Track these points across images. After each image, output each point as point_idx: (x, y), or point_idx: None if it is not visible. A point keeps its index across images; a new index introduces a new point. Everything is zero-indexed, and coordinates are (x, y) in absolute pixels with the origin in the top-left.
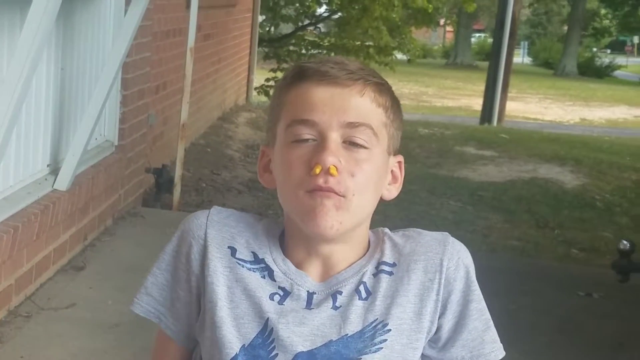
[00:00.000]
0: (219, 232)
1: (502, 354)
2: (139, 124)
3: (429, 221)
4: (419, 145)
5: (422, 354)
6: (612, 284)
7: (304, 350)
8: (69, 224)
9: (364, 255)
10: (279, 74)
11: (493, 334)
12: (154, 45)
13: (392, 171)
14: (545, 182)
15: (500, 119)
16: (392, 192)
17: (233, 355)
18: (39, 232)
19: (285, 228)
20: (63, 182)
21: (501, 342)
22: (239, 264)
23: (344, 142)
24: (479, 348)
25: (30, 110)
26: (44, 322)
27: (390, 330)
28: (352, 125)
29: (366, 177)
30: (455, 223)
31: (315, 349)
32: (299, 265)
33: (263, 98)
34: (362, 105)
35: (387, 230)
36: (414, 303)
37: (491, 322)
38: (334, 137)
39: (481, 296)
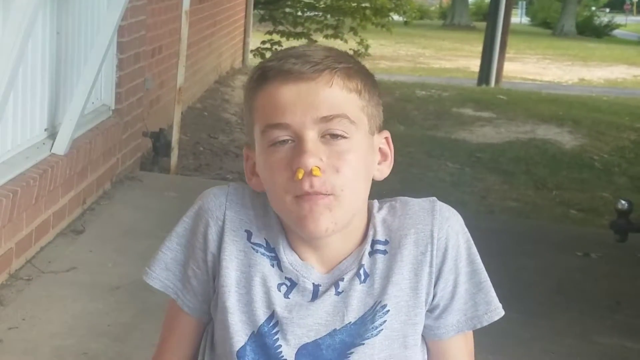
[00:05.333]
0: (237, 214)
1: (499, 315)
2: (135, 88)
3: (426, 183)
4: (416, 107)
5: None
6: (610, 244)
7: (309, 341)
8: (68, 187)
9: (364, 239)
10: (275, 37)
11: (486, 295)
12: (149, 8)
13: (380, 149)
14: (543, 143)
15: (498, 80)
16: (383, 171)
17: (242, 344)
18: (38, 196)
19: (283, 224)
20: (61, 146)
21: (500, 303)
22: (254, 249)
23: (322, 136)
24: (472, 310)
25: (27, 75)
26: (44, 285)
27: (388, 310)
28: (326, 119)
29: (352, 167)
30: (453, 185)
31: (319, 338)
32: (302, 257)
33: (259, 61)
34: (332, 95)
35: (375, 203)
36: (409, 279)
37: (485, 284)
38: (311, 136)
39: (473, 258)
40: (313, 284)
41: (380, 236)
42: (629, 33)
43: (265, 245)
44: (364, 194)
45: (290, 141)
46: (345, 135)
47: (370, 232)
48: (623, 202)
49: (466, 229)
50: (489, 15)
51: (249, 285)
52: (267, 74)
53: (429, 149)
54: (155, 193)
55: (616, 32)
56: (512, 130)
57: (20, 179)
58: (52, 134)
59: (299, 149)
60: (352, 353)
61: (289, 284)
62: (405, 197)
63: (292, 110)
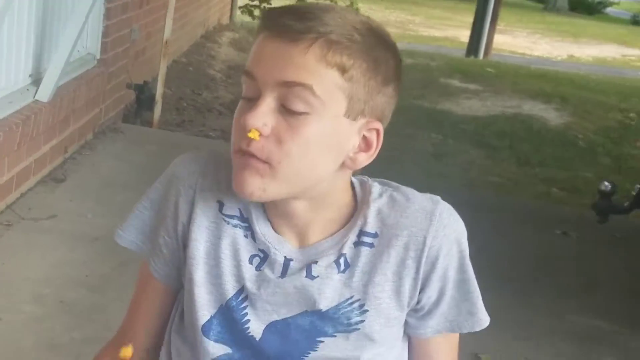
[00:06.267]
0: (210, 184)
1: (481, 326)
2: (121, 39)
3: (409, 154)
4: (403, 76)
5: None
6: (590, 224)
7: (278, 318)
8: (50, 135)
9: (347, 223)
10: None
11: (472, 305)
12: None
13: (364, 137)
14: (529, 118)
15: (487, 53)
16: (358, 160)
17: (209, 317)
18: (20, 142)
19: None
20: (45, 93)
21: (487, 316)
22: (225, 220)
23: (281, 104)
24: (454, 315)
25: (13, 20)
26: (24, 231)
27: (367, 310)
28: (287, 84)
29: (300, 145)
30: (435, 156)
31: (289, 317)
32: (277, 230)
33: (247, 18)
34: (304, 63)
35: (375, 187)
36: (393, 281)
37: (473, 295)
38: (268, 99)
39: (465, 268)
40: (285, 257)
41: (370, 228)
42: (622, 11)
43: (238, 216)
44: (317, 175)
45: (252, 99)
46: (302, 110)
47: (359, 222)
48: (607, 183)
49: (464, 237)
50: None
51: (218, 258)
52: (266, 21)
53: (414, 119)
54: (136, 146)
55: (609, 9)
56: (498, 104)
57: (3, 124)
58: (37, 81)
59: (252, 107)
60: (321, 342)
61: (261, 255)
62: (409, 190)
63: (262, 64)
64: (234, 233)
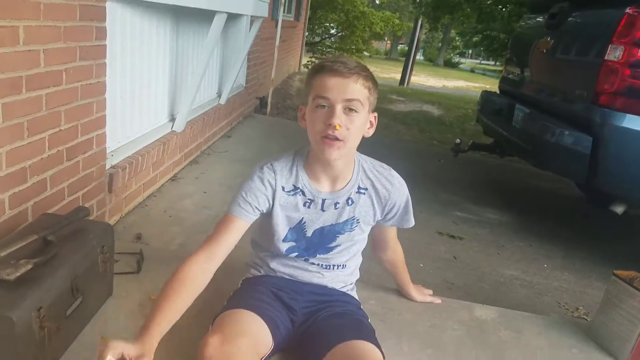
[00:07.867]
0: (280, 180)
1: (412, 224)
2: (254, 78)
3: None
4: None
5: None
6: (450, 156)
7: (318, 227)
8: (229, 116)
9: (351, 178)
10: (314, 59)
11: (409, 218)
12: (261, 44)
13: (370, 121)
14: (424, 112)
15: (408, 83)
16: (369, 132)
17: (285, 233)
18: (215, 116)
19: (310, 153)
20: (223, 99)
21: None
22: (288, 194)
23: (344, 109)
24: (400, 220)
25: (209, 70)
26: (213, 157)
27: (359, 220)
28: (349, 100)
29: (355, 128)
30: (384, 127)
31: (323, 226)
32: (317, 179)
33: (307, 69)
34: (355, 88)
35: (367, 160)
36: (373, 209)
37: (410, 214)
38: (339, 108)
39: (408, 203)
40: (322, 199)
41: (362, 185)
42: (466, 67)
43: (293, 189)
44: (357, 142)
45: (327, 107)
46: (357, 110)
47: (358, 182)
48: (458, 139)
49: (406, 189)
50: (407, 54)
51: (289, 209)
52: (324, 68)
53: (378, 113)
54: (260, 123)
55: (461, 66)
56: (411, 106)
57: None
58: (220, 95)
59: (331, 113)
60: (338, 236)
61: (309, 201)
62: (383, 164)
63: (332, 91)
64: (294, 198)
